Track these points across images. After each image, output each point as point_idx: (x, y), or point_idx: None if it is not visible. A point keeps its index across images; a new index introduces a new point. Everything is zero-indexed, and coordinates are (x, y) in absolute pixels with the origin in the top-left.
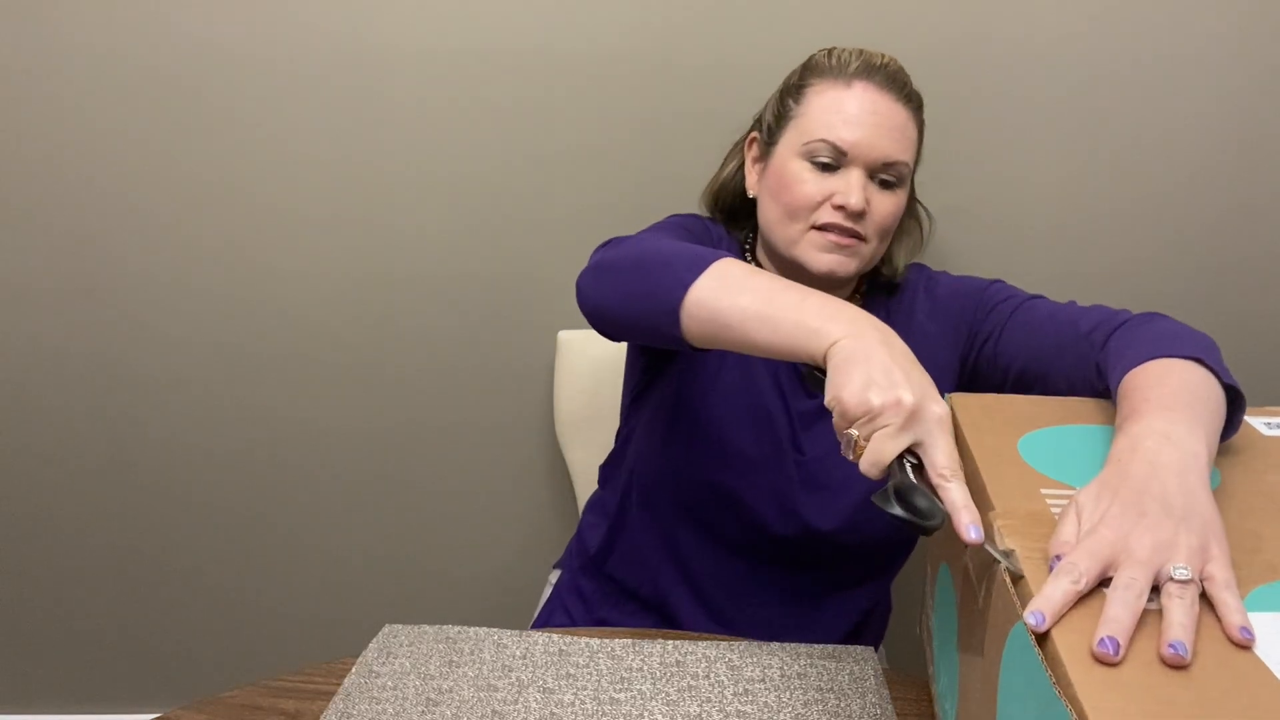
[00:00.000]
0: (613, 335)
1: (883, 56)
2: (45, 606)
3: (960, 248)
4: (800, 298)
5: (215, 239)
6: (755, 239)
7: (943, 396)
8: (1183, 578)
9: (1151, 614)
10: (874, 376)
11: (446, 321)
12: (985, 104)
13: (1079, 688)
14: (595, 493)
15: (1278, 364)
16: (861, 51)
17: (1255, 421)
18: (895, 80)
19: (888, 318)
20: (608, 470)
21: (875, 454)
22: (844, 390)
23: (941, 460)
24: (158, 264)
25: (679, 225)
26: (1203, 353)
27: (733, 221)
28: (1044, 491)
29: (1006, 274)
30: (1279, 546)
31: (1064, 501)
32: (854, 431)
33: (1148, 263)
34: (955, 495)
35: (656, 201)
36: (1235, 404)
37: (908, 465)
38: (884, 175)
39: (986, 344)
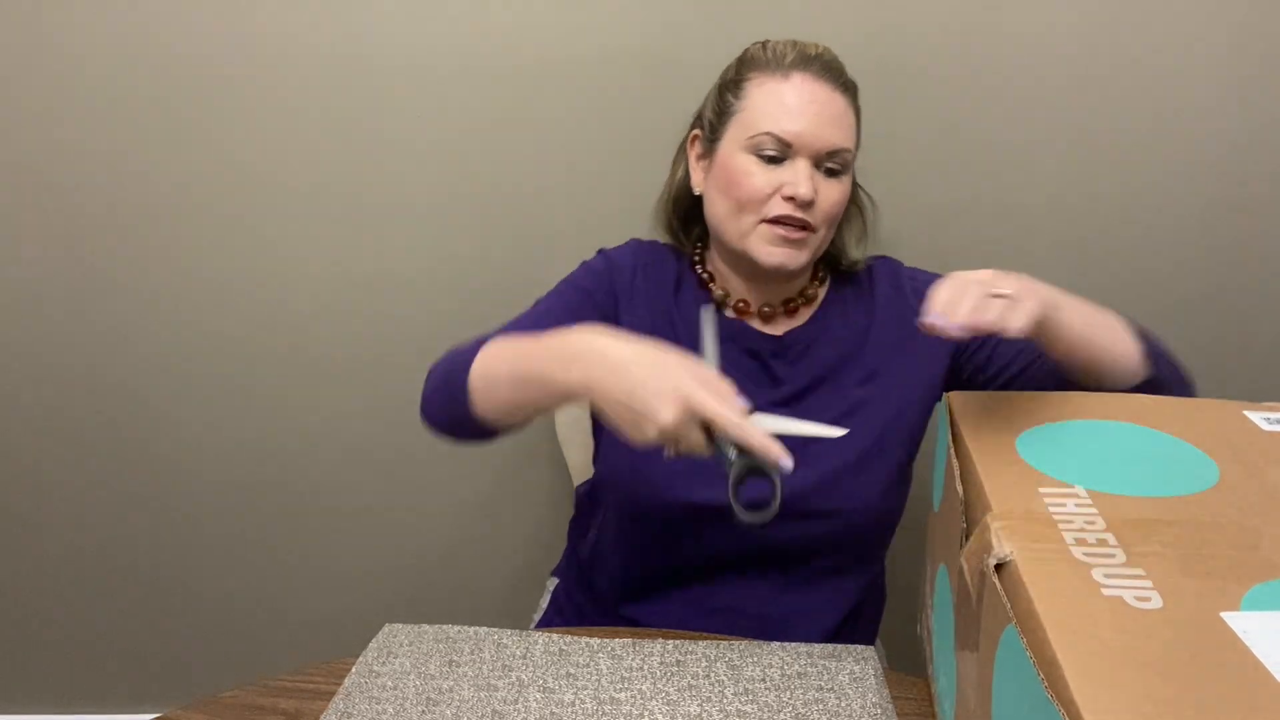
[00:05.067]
0: (456, 441)
1: (817, 46)
2: (45, 606)
3: (963, 244)
4: (540, 352)
5: (217, 239)
6: (705, 243)
7: (937, 395)
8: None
9: (1152, 613)
10: (633, 412)
11: (447, 322)
12: (987, 103)
13: (1075, 690)
14: (585, 501)
15: (1277, 363)
16: (796, 43)
17: (1255, 417)
18: (831, 69)
19: (854, 310)
20: (587, 485)
21: (689, 451)
22: (627, 437)
23: (721, 420)
24: (160, 263)
25: (576, 288)
26: (1150, 340)
27: (687, 227)
28: (1041, 490)
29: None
30: (1278, 544)
31: (1062, 500)
32: (667, 451)
33: (1149, 261)
34: (752, 436)
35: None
36: (1173, 384)
37: (722, 446)
38: (829, 164)
39: (982, 349)
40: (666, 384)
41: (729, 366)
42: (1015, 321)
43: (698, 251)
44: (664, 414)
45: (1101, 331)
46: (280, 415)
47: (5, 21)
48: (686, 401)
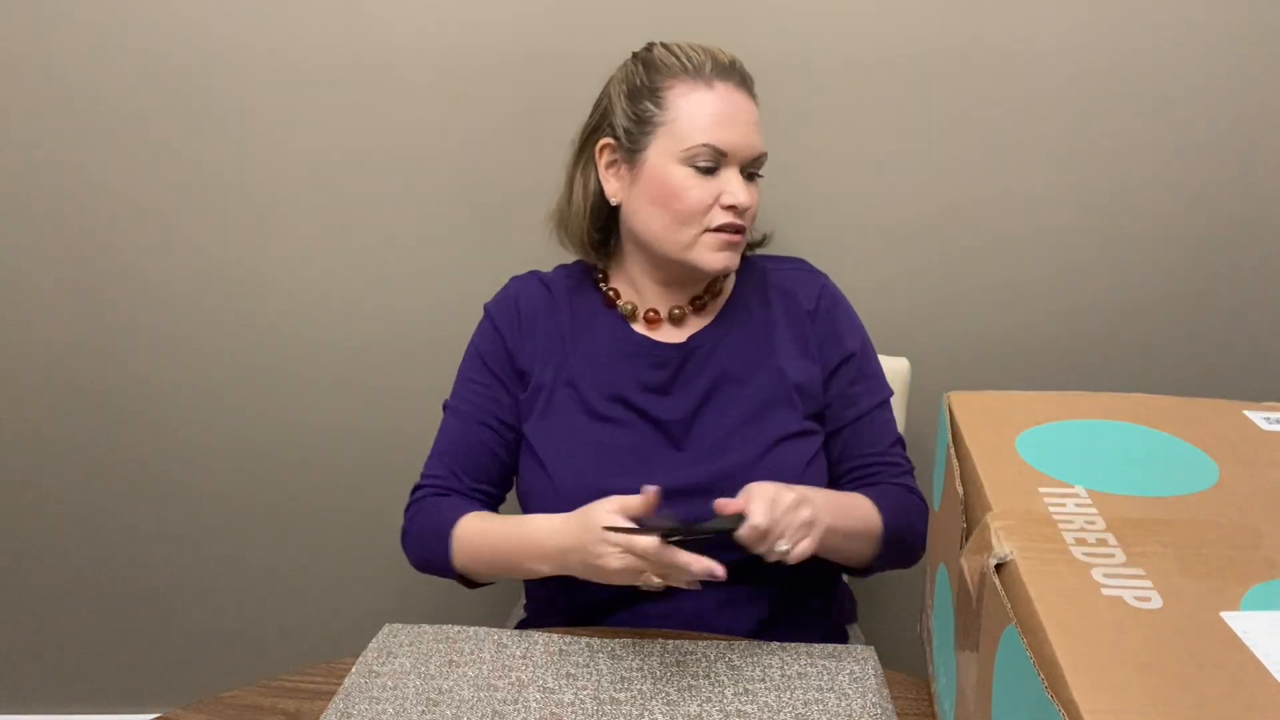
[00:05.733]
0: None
1: (723, 52)
2: (45, 606)
3: (963, 243)
4: (518, 556)
5: (219, 239)
6: (612, 256)
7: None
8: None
9: (1152, 613)
10: (595, 572)
11: (446, 322)
12: (986, 108)
13: (1075, 690)
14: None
15: (1277, 362)
16: (705, 48)
17: (1255, 416)
18: (746, 78)
19: (756, 305)
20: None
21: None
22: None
23: (639, 550)
24: (162, 263)
25: (476, 357)
26: (889, 536)
27: (602, 238)
28: (1041, 490)
29: (1008, 273)
30: (1278, 544)
31: (1062, 500)
32: (655, 580)
33: (1149, 260)
34: (679, 560)
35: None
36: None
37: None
38: (751, 169)
39: (830, 408)
40: (595, 542)
41: (637, 384)
42: (800, 554)
43: (602, 264)
44: (610, 563)
45: (854, 544)
46: (280, 415)
47: (3, 20)
48: (620, 546)
